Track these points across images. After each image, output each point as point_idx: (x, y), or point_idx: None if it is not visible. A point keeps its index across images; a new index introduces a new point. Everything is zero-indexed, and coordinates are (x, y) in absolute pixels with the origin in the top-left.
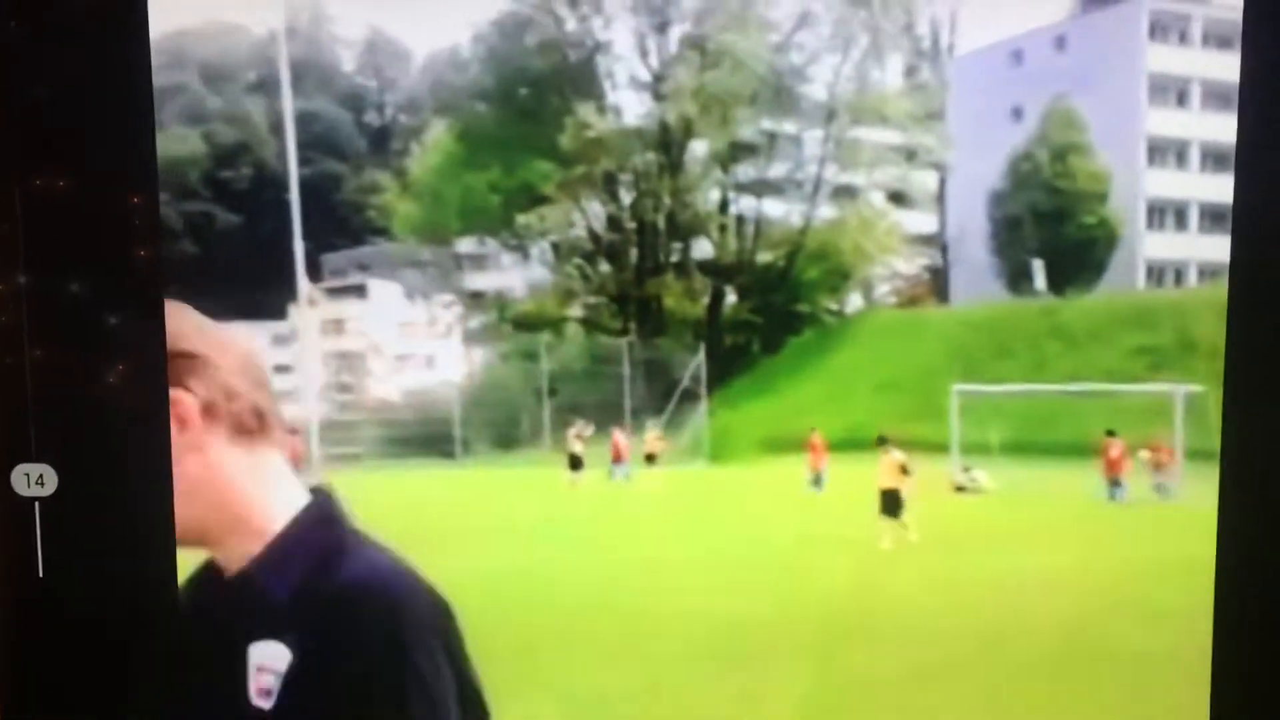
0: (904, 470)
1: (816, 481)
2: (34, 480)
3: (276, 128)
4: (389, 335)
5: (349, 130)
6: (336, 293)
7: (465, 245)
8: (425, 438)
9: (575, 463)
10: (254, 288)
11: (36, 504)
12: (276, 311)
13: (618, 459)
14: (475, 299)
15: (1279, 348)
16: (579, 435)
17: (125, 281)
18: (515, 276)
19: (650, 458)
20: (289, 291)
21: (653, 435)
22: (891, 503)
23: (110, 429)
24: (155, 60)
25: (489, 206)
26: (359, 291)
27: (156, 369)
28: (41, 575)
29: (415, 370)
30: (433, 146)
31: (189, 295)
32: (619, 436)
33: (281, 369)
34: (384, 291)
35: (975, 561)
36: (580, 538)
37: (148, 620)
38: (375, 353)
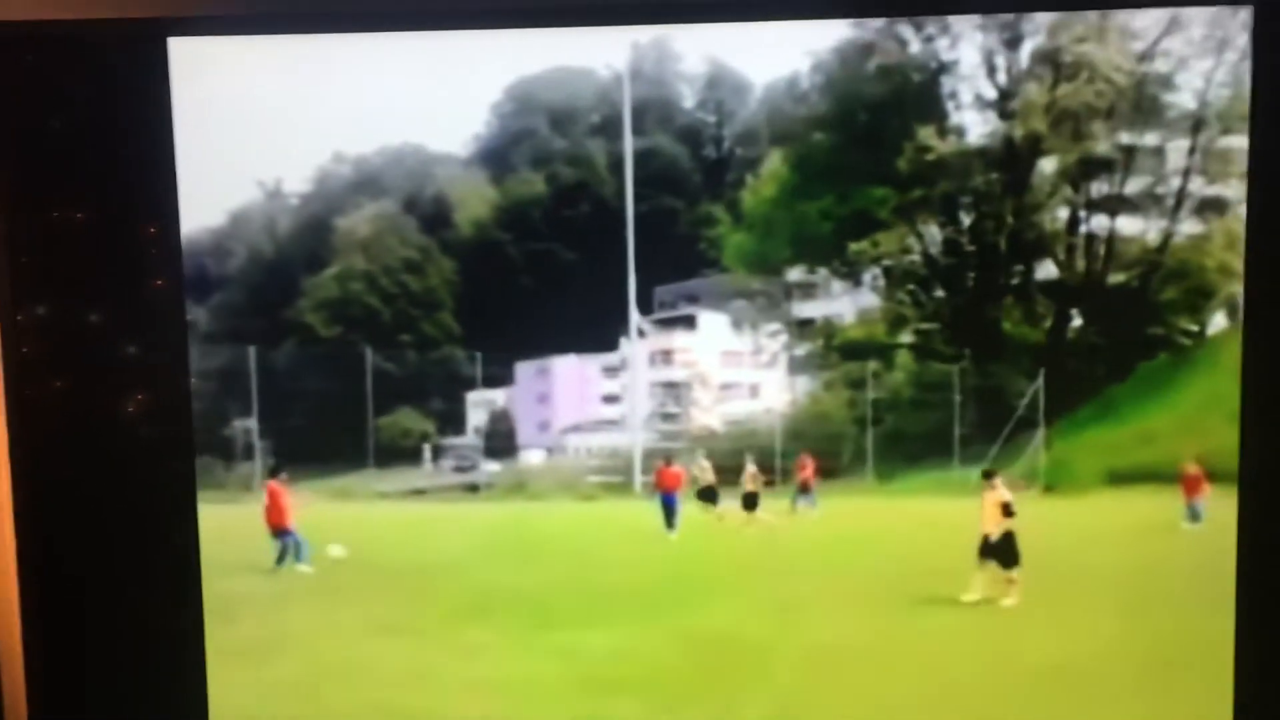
0: (1007, 511)
1: (1192, 515)
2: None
3: (616, 166)
4: (714, 365)
5: (686, 165)
6: (666, 324)
7: (795, 274)
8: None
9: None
10: (588, 321)
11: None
12: (608, 344)
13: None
14: (803, 327)
15: None
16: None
17: (143, 311)
18: (845, 304)
19: (751, 498)
20: (621, 324)
21: (751, 472)
22: (998, 550)
23: (133, 457)
24: (505, 107)
25: (821, 234)
26: (688, 322)
27: (178, 397)
28: (65, 595)
29: (739, 399)
30: (767, 177)
31: (526, 330)
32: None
33: (610, 399)
34: (712, 322)
35: None
36: (903, 568)
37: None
38: (701, 382)
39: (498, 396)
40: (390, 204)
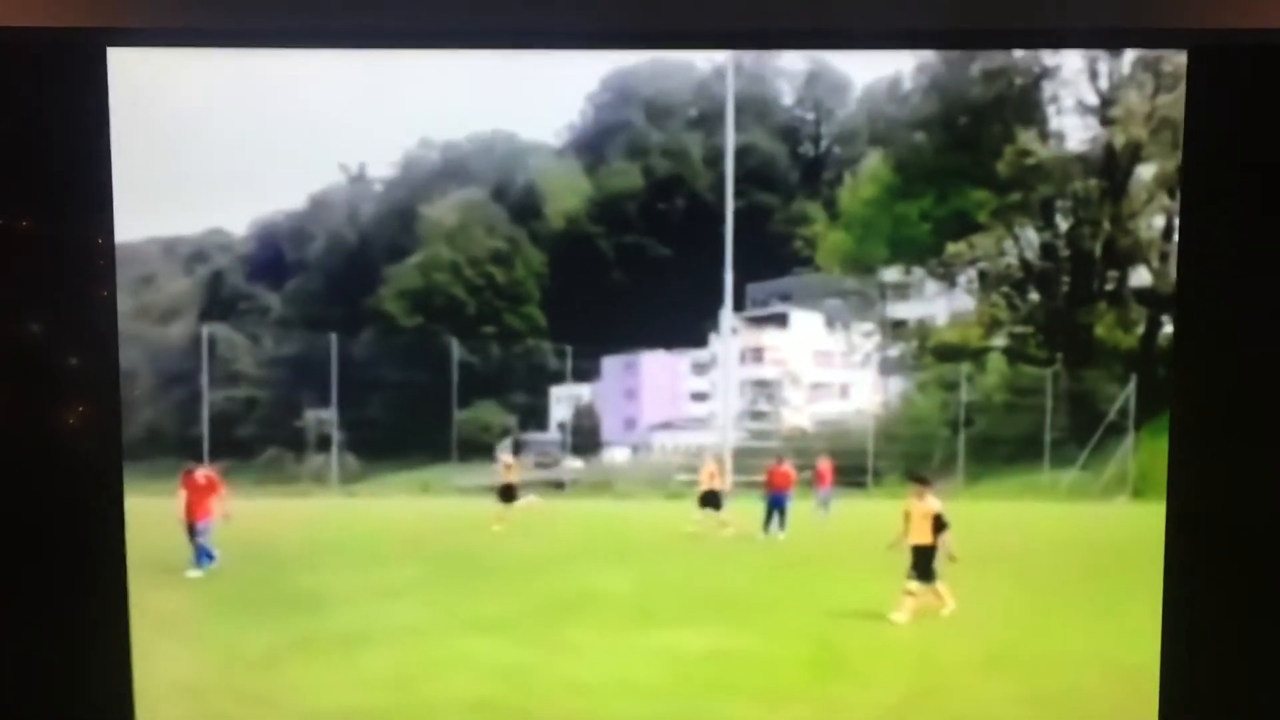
0: (939, 523)
1: None
2: None
3: (713, 161)
4: (806, 364)
5: (784, 162)
6: (758, 322)
7: (890, 274)
8: (836, 467)
9: (507, 493)
10: (679, 316)
11: None
12: (698, 340)
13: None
14: (896, 328)
15: (1221, 389)
16: (508, 465)
17: (88, 321)
18: (939, 305)
19: (712, 497)
20: (712, 321)
21: (710, 469)
22: (925, 562)
23: (67, 468)
24: (601, 98)
25: (919, 235)
26: (780, 321)
27: (113, 406)
28: None
29: (829, 399)
30: (867, 177)
31: (614, 324)
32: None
33: (699, 396)
34: (805, 321)
35: None
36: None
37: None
38: (792, 381)
39: (583, 392)
40: (479, 192)
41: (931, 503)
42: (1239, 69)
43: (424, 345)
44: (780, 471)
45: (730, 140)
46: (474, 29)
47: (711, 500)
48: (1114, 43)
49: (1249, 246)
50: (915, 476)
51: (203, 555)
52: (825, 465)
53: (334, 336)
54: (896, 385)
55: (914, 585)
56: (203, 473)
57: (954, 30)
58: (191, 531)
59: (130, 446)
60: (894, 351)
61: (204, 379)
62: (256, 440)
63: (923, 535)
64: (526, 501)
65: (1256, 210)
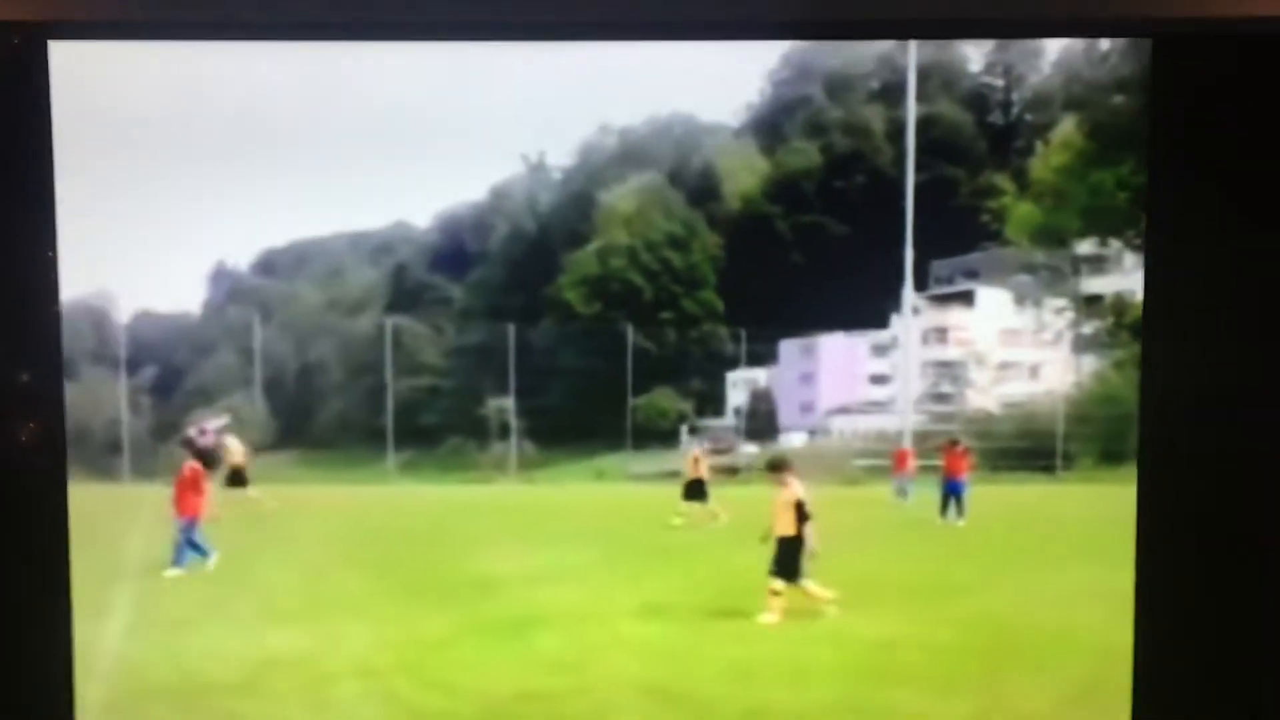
0: (800, 512)
1: None
2: None
3: (893, 135)
4: (992, 344)
5: (970, 133)
6: (941, 300)
7: (1084, 247)
8: (1024, 451)
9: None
10: (858, 297)
11: None
12: (878, 320)
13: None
14: (1090, 304)
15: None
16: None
17: (39, 338)
18: (1137, 279)
19: (697, 486)
20: (893, 300)
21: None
22: (789, 557)
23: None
24: (780, 75)
25: (1116, 204)
26: (965, 299)
27: (59, 423)
28: None
29: (1018, 380)
30: (1059, 144)
31: (791, 306)
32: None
33: (878, 379)
34: (991, 298)
35: None
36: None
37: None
38: (977, 362)
39: (759, 376)
40: (656, 176)
41: (794, 489)
42: (1206, 58)
43: (600, 332)
44: (952, 455)
45: (912, 112)
46: (643, 21)
47: (696, 490)
48: (1075, 31)
49: (1216, 239)
50: (772, 463)
51: (186, 551)
52: (904, 451)
53: (512, 326)
54: (1090, 364)
55: (778, 584)
56: (190, 466)
57: (903, 20)
58: (181, 527)
59: (319, 436)
60: (1088, 329)
61: (389, 370)
62: (439, 429)
63: (785, 526)
64: (254, 493)
65: (1224, 203)
